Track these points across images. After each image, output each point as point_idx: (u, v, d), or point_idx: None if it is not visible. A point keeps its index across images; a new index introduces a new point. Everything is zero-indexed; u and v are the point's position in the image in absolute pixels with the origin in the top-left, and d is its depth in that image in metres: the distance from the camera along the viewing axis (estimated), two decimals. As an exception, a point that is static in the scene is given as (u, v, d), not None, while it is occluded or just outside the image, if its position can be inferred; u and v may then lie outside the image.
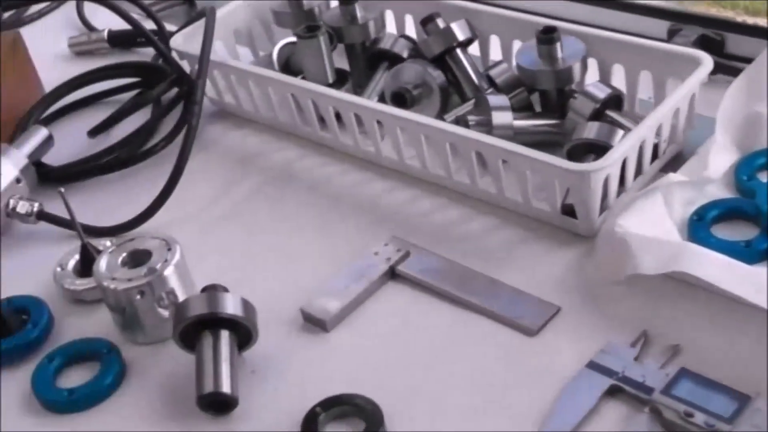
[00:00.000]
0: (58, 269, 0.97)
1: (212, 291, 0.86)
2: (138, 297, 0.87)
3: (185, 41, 1.14)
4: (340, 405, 0.80)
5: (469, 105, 1.06)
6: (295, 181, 1.07)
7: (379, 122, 1.01)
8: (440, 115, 1.06)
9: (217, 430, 0.82)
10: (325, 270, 0.94)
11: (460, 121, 1.01)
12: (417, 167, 1.02)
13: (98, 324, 0.94)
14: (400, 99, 1.07)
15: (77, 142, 1.19)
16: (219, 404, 0.82)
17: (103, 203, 1.09)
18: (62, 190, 0.92)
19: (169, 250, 0.89)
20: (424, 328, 0.88)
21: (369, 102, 1.02)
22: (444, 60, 1.09)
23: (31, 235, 1.07)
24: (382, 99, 1.10)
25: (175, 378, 0.87)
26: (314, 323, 0.89)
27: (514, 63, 1.05)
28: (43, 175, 1.11)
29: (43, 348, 0.92)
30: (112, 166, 1.12)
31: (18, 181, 1.05)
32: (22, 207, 1.04)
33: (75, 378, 0.89)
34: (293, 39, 1.17)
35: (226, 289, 0.87)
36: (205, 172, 1.09)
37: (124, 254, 0.90)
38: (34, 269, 1.01)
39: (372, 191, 1.04)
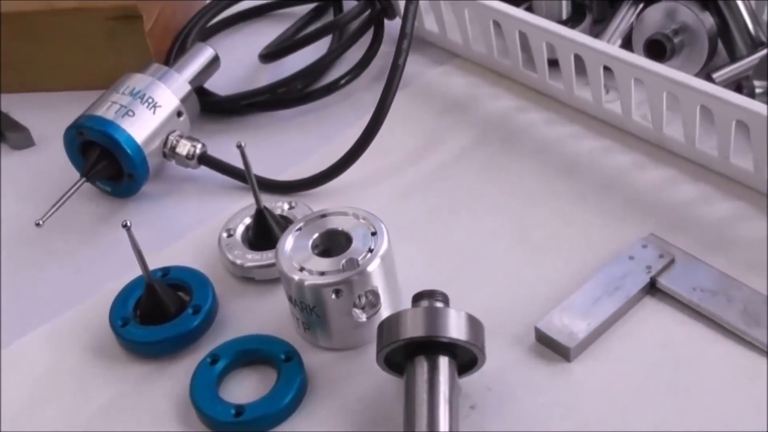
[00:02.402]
0: (224, 235, 0.79)
1: (429, 303, 0.66)
2: (333, 296, 0.68)
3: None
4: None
5: (746, 64, 0.83)
6: (515, 141, 0.86)
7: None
8: (704, 71, 0.83)
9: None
10: (564, 270, 0.73)
11: (743, 88, 0.79)
12: (679, 141, 0.80)
13: (271, 312, 0.75)
14: (656, 48, 0.85)
15: (241, 63, 1.00)
16: (432, 455, 0.62)
17: (272, 146, 0.90)
18: (243, 144, 0.73)
19: (374, 234, 0.70)
20: (696, 366, 0.67)
21: (627, 54, 0.79)
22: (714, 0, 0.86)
23: (187, 181, 0.88)
24: (626, 44, 0.88)
25: (372, 397, 0.68)
26: (552, 348, 0.69)
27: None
28: (206, 105, 0.91)
29: (203, 339, 0.73)
30: (289, 101, 0.92)
31: (179, 114, 0.86)
32: (183, 147, 0.85)
33: (243, 388, 0.70)
34: (521, -43, 0.94)
35: (445, 298, 0.67)
36: (399, 120, 0.87)
37: (316, 235, 0.71)
38: (190, 227, 0.83)
39: (616, 165, 0.82)
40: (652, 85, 0.78)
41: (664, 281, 0.71)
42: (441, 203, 0.81)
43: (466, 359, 0.65)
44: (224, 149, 0.86)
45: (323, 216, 0.72)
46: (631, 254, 0.72)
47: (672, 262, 0.72)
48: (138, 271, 0.74)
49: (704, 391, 0.65)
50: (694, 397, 0.65)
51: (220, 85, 0.95)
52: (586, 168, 0.82)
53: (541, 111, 0.88)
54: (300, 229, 0.71)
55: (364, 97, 0.92)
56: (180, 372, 0.71)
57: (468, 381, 0.67)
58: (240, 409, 0.67)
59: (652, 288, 0.71)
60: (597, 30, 0.91)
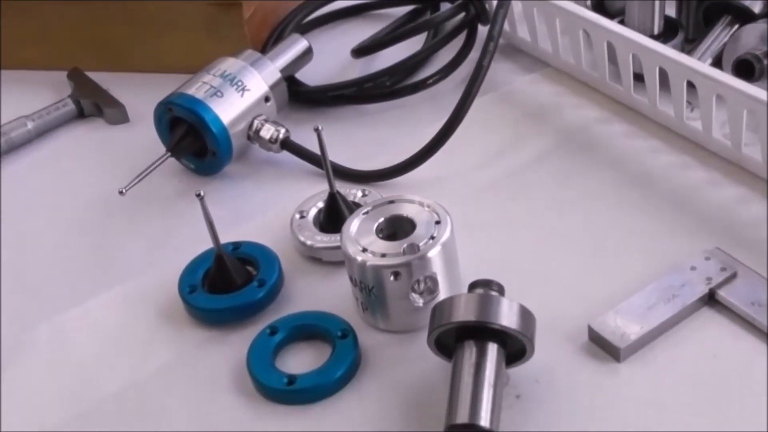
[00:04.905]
0: (297, 216, 0.81)
1: (484, 291, 0.67)
2: (391, 278, 0.69)
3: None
4: (630, 473, 0.61)
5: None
6: (593, 150, 0.86)
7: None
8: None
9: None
10: (625, 277, 0.73)
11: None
12: (756, 161, 0.79)
13: (333, 292, 0.77)
14: (745, 68, 0.84)
15: (334, 58, 1.02)
16: (472, 437, 0.63)
17: (354, 138, 0.92)
18: (320, 127, 0.75)
19: (438, 223, 0.71)
20: (745, 379, 0.66)
21: (710, 69, 0.80)
22: (809, 25, 0.86)
23: (269, 165, 0.91)
24: (717, 63, 0.88)
25: (421, 381, 0.69)
26: (603, 347, 0.69)
27: None
28: (295, 94, 0.94)
29: (266, 312, 0.75)
30: (376, 96, 0.94)
31: (266, 99, 0.89)
32: (267, 131, 0.88)
33: (298, 360, 0.72)
34: (615, -30, 0.95)
35: (501, 288, 0.68)
36: (481, 122, 0.89)
37: (381, 219, 0.72)
38: (266, 208, 0.86)
39: (692, 181, 0.82)
40: (733, 101, 0.78)
41: (723, 293, 0.71)
42: (511, 205, 0.82)
43: (515, 349, 0.66)
44: (308, 138, 0.88)
45: (391, 202, 0.73)
46: (693, 265, 0.72)
47: (734, 275, 0.71)
48: (211, 245, 0.76)
49: (749, 406, 0.64)
50: (738, 411, 0.65)
51: (311, 77, 0.97)
52: (661, 181, 0.82)
53: (623, 123, 0.88)
54: (367, 212, 0.73)
55: (449, 98, 0.93)
56: (240, 341, 0.74)
57: (516, 371, 0.67)
58: (292, 379, 0.69)
59: (711, 299, 0.71)
60: (689, 48, 0.91)
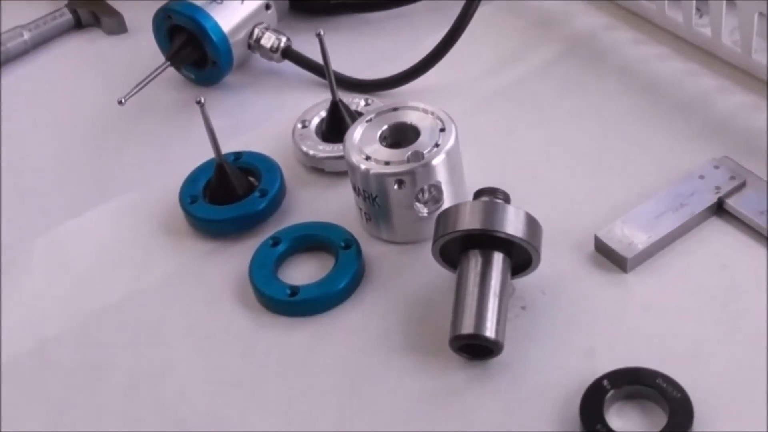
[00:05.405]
0: (299, 126, 0.79)
1: (489, 199, 0.66)
2: (395, 186, 0.68)
3: None
4: (636, 383, 0.60)
5: None
6: (599, 59, 0.85)
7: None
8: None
9: (468, 377, 0.63)
10: (631, 187, 0.72)
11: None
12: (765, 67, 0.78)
13: (336, 203, 0.76)
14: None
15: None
16: (475, 348, 0.63)
17: (356, 48, 0.90)
18: (321, 32, 0.73)
19: (442, 131, 0.70)
20: (753, 290, 0.65)
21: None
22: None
23: (270, 75, 0.89)
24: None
25: (426, 292, 0.69)
26: (610, 257, 0.68)
27: None
28: (296, 2, 0.92)
29: (267, 223, 0.74)
30: (378, 5, 0.92)
31: (267, 7, 0.87)
32: (268, 39, 0.86)
33: (301, 271, 0.72)
34: None
35: (506, 196, 0.67)
36: (486, 31, 0.87)
37: (385, 127, 0.71)
38: (267, 119, 0.85)
39: (700, 88, 0.80)
40: (744, 4, 0.75)
41: (731, 202, 0.69)
42: (516, 114, 0.81)
43: (521, 259, 0.65)
44: (310, 48, 0.86)
45: (395, 109, 0.72)
46: (701, 174, 0.71)
47: (743, 184, 0.70)
48: (211, 155, 0.75)
49: (756, 316, 0.64)
50: (745, 321, 0.64)
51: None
52: (669, 89, 0.80)
53: (630, 31, 0.86)
54: (370, 120, 0.72)
55: (454, 8, 0.90)
56: (242, 252, 0.73)
57: (523, 283, 0.67)
58: (295, 290, 0.68)
59: (720, 209, 0.70)
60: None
